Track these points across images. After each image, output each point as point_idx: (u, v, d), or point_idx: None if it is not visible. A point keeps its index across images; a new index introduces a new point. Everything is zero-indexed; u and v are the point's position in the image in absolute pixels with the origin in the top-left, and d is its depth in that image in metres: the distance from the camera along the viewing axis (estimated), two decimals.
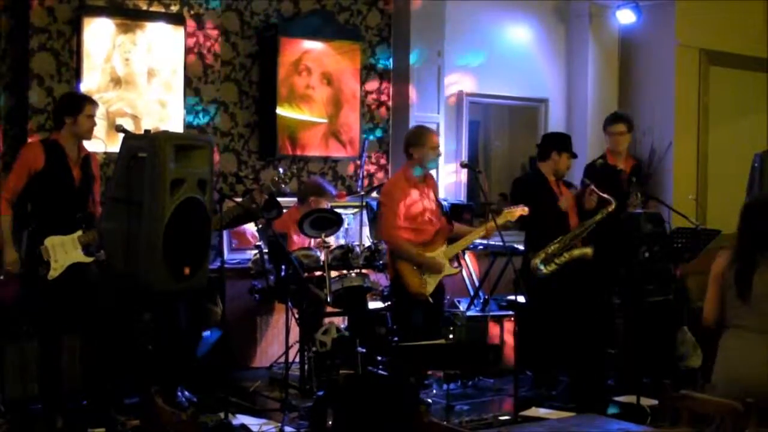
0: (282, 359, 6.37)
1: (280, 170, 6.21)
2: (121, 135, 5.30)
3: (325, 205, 6.80)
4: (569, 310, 6.24)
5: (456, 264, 6.45)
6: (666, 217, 7.02)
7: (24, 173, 5.42)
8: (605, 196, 6.32)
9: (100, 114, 6.64)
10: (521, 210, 6.25)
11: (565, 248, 6.29)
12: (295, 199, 7.08)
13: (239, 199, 6.09)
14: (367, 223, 7.39)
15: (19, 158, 5.51)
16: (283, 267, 6.26)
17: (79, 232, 5.47)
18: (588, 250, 6.35)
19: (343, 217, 6.70)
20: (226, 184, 7.19)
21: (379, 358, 5.96)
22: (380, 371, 5.67)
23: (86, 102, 5.60)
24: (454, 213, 6.96)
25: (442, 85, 8.09)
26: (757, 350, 4.17)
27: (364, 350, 5.64)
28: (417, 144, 6.24)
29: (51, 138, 5.58)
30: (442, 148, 6.68)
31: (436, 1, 8.02)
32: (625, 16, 8.62)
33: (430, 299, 6.11)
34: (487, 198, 6.82)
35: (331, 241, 6.67)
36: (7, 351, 5.74)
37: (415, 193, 6.21)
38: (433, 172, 6.68)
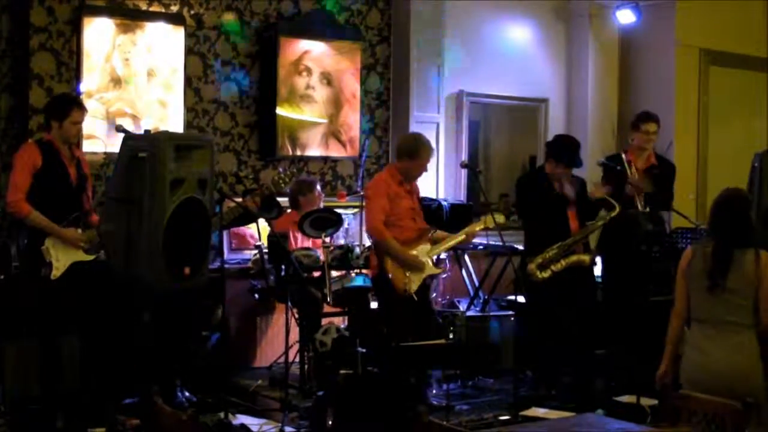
0: (282, 359, 6.36)
1: (280, 170, 6.21)
2: (121, 135, 5.30)
3: (318, 199, 6.80)
4: (568, 309, 6.23)
5: (444, 265, 6.43)
6: (666, 217, 7.01)
7: (28, 173, 5.42)
8: (610, 199, 6.22)
9: (99, 114, 6.69)
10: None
11: (563, 254, 6.16)
12: None
13: (239, 199, 6.09)
14: None
15: (18, 159, 5.49)
16: (283, 267, 6.26)
17: (78, 231, 5.49)
18: (585, 257, 6.23)
19: (343, 217, 6.69)
20: (226, 184, 7.19)
21: (379, 358, 5.95)
22: (380, 371, 5.67)
23: (73, 108, 5.53)
24: (454, 213, 6.94)
25: (442, 84, 8.09)
26: (721, 343, 4.20)
27: (364, 350, 5.63)
28: (411, 156, 6.10)
29: (44, 138, 5.59)
30: (441, 151, 6.47)
31: (435, 1, 8.02)
32: (625, 16, 8.62)
33: (415, 296, 6.01)
34: (487, 198, 6.80)
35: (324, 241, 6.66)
36: (7, 351, 5.74)
37: (399, 191, 6.14)
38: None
